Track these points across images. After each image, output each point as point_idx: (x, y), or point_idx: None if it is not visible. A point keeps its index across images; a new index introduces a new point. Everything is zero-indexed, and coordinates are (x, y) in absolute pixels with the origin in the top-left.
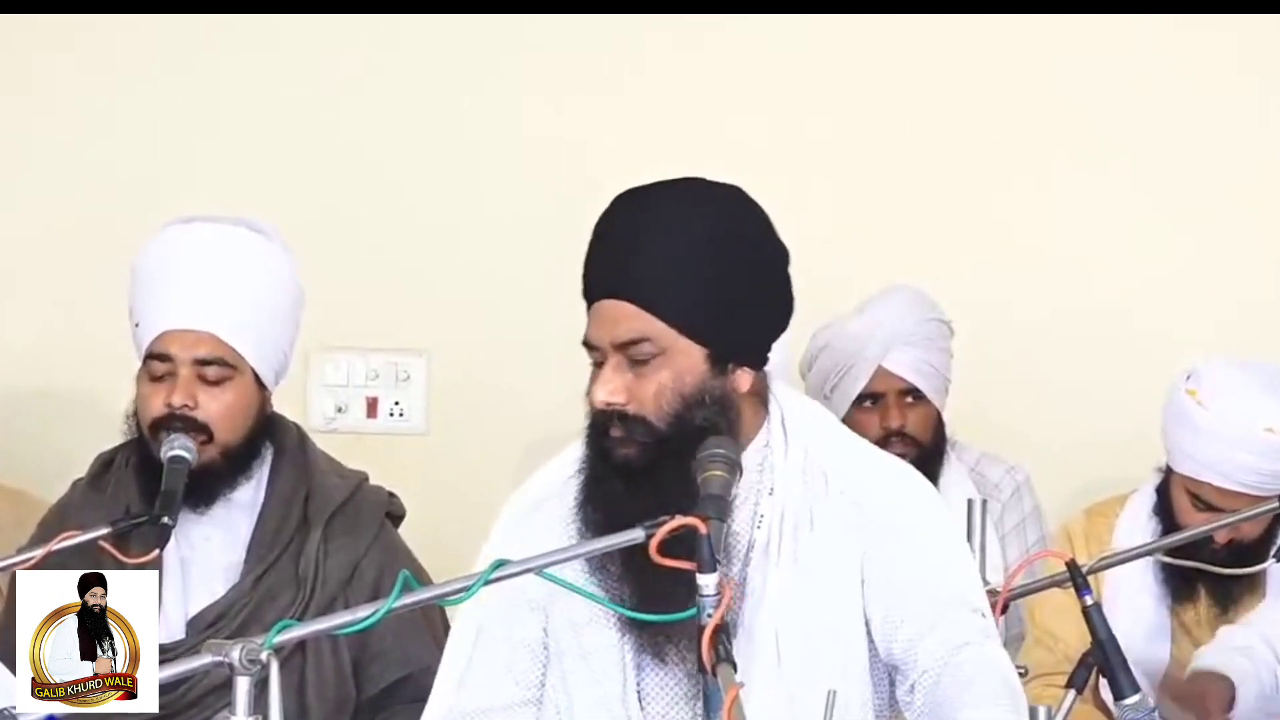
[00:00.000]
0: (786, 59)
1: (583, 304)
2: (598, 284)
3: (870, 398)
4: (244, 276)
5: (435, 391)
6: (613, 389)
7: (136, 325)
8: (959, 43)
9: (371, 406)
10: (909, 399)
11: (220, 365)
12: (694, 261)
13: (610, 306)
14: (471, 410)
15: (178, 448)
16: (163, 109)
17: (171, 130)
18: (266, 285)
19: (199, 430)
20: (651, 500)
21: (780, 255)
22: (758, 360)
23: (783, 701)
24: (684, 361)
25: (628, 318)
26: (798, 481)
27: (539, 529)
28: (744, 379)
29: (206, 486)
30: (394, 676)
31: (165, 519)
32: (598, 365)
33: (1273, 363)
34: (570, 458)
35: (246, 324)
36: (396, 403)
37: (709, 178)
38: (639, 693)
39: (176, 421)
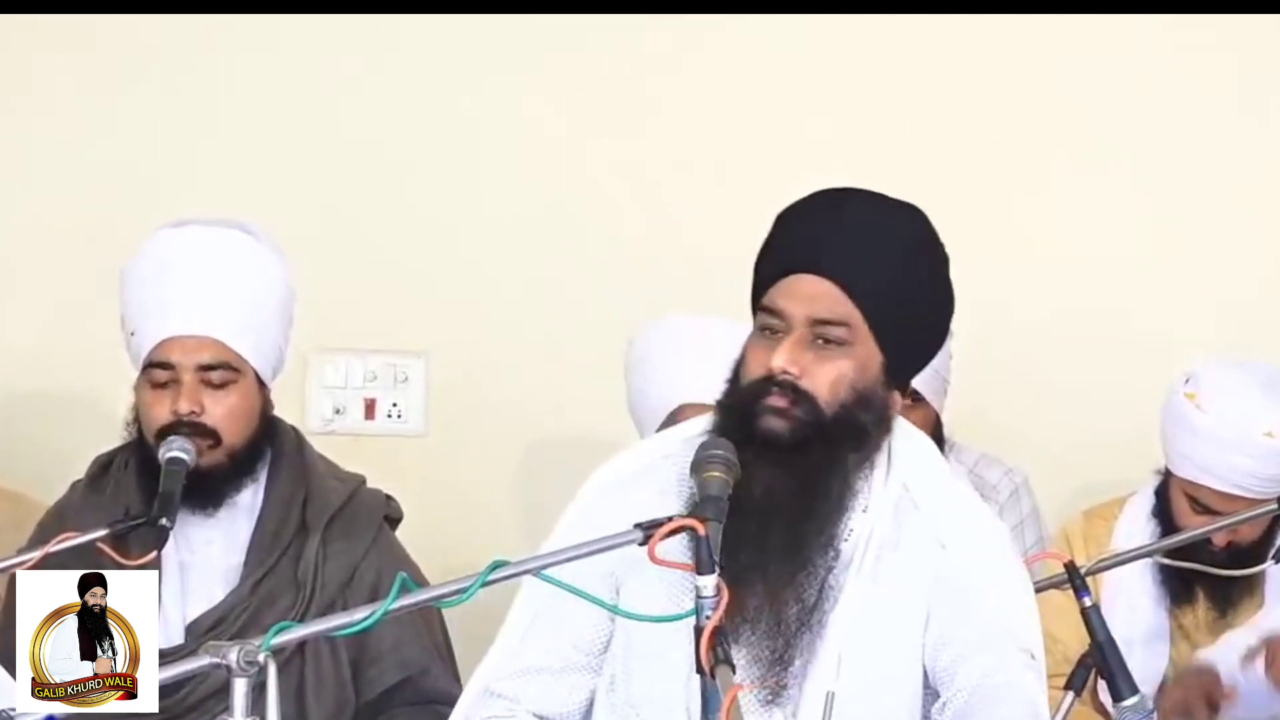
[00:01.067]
0: (786, 59)
1: (581, 307)
2: (802, 256)
3: None
4: (240, 279)
5: (433, 393)
6: (792, 359)
7: (132, 334)
8: (959, 43)
9: (370, 408)
10: (908, 401)
11: (224, 369)
12: (901, 268)
13: (812, 281)
14: (470, 412)
15: (176, 449)
16: (162, 109)
17: (171, 131)
18: (262, 286)
19: (207, 435)
20: (782, 481)
21: (952, 298)
22: (906, 387)
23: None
24: (866, 358)
25: (830, 297)
26: (890, 508)
27: (633, 504)
28: (896, 400)
29: (213, 489)
30: (393, 680)
31: (163, 521)
32: (770, 333)
33: (1272, 365)
34: (667, 438)
35: (246, 326)
36: (395, 404)
37: None
38: None
39: (184, 428)
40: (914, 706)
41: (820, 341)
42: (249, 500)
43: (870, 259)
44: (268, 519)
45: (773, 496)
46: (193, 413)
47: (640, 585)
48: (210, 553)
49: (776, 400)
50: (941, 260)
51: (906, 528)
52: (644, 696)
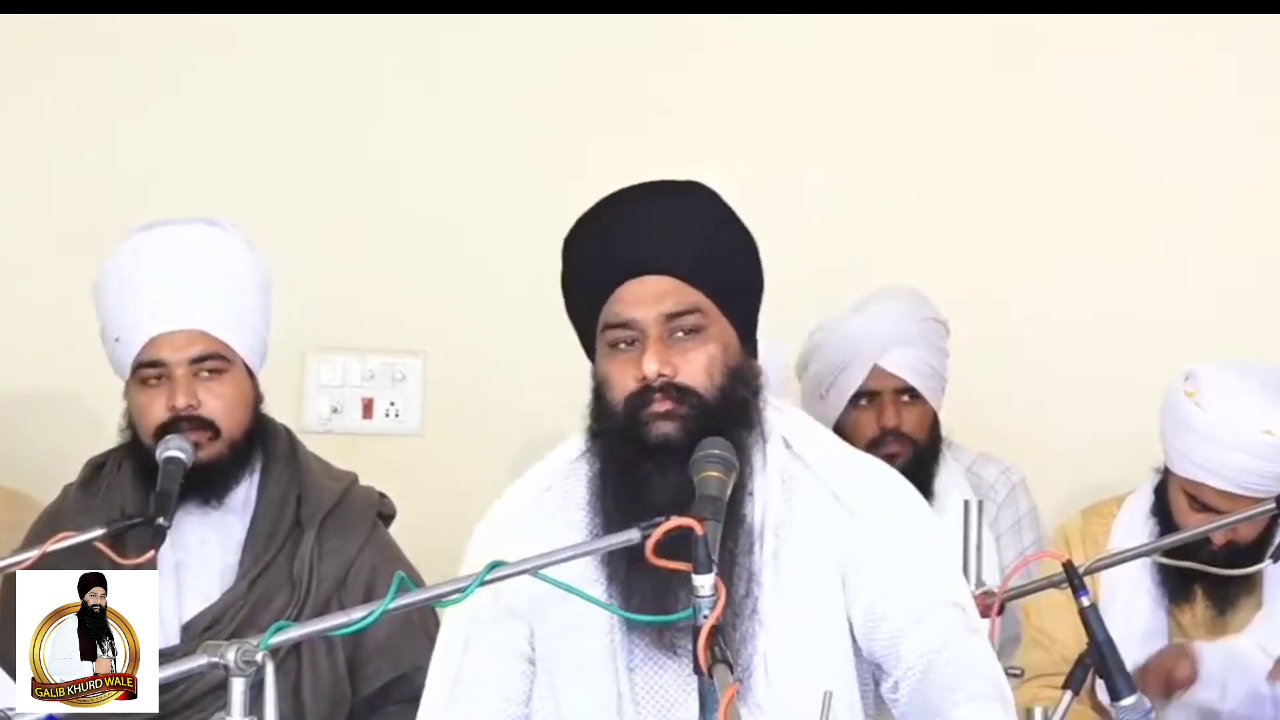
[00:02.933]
0: (786, 58)
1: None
2: (629, 262)
3: (866, 396)
4: (216, 271)
5: (431, 392)
6: (663, 359)
7: (117, 340)
8: (960, 42)
9: (367, 407)
10: (905, 398)
11: (215, 359)
12: (719, 239)
13: (652, 282)
14: (467, 411)
15: (173, 448)
16: (162, 110)
17: (170, 131)
18: (238, 276)
19: (206, 428)
20: (684, 480)
21: (756, 246)
22: (755, 351)
23: (770, 695)
24: (725, 336)
25: (675, 291)
26: (776, 480)
27: (526, 541)
28: (757, 368)
29: (216, 481)
30: (388, 677)
31: (161, 520)
32: (625, 345)
33: (1271, 364)
34: (543, 471)
35: (229, 315)
36: (392, 403)
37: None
38: (633, 696)
39: (182, 423)
40: (848, 674)
41: (679, 334)
42: (243, 499)
43: (694, 241)
44: (262, 517)
45: (681, 500)
46: (190, 406)
47: (551, 618)
48: (205, 552)
49: (660, 405)
50: (737, 218)
51: (798, 493)
52: None
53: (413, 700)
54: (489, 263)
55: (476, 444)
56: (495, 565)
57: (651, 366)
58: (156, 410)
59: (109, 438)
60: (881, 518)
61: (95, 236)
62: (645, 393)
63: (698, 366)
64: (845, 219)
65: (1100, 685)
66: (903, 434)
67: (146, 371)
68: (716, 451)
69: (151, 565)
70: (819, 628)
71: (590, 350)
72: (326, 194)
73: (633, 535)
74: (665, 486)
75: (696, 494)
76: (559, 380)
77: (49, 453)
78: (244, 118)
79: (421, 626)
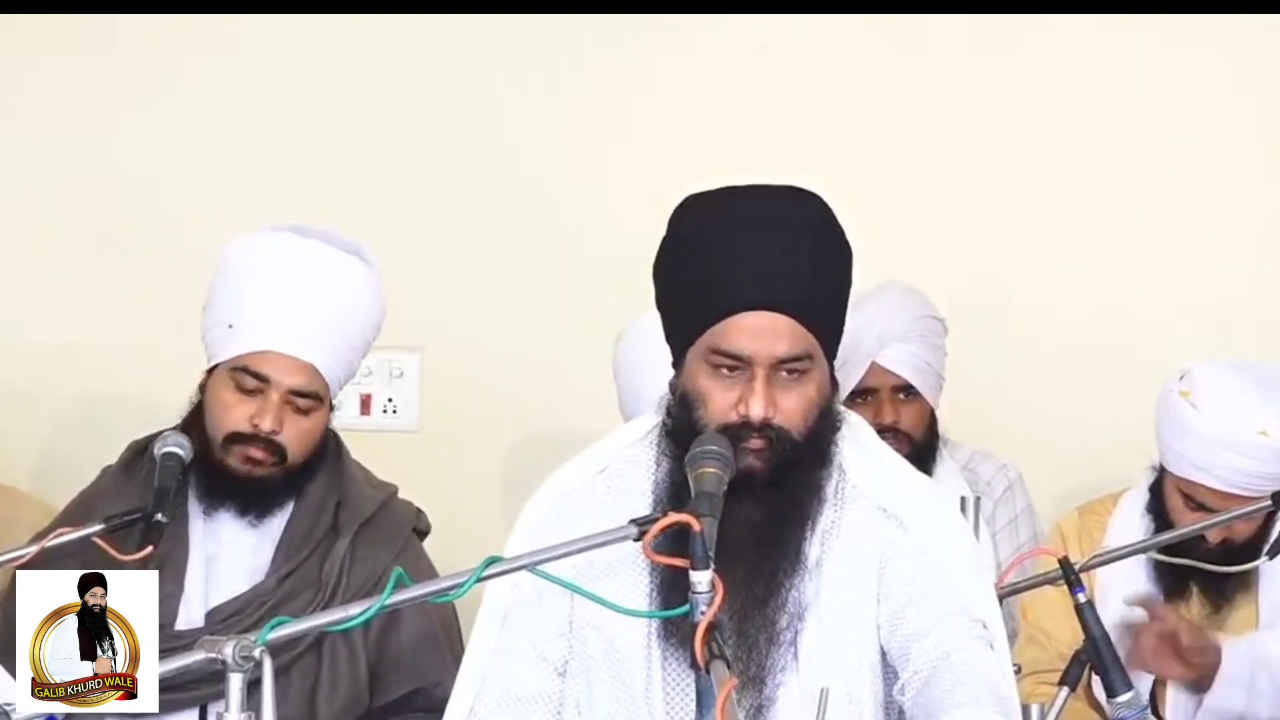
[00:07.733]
0: (786, 59)
1: (577, 304)
2: (749, 293)
3: (864, 394)
4: (350, 313)
5: (429, 388)
6: (768, 402)
7: (230, 326)
8: (961, 42)
9: (365, 403)
10: (902, 395)
11: (311, 398)
12: (834, 273)
13: (769, 320)
14: (464, 407)
15: (171, 444)
16: (163, 110)
17: (171, 131)
18: (365, 324)
19: (275, 452)
20: (760, 512)
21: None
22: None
23: (801, 700)
24: (822, 375)
25: (792, 334)
26: (830, 495)
27: (575, 520)
28: (837, 399)
29: (260, 499)
30: (408, 687)
31: (159, 516)
32: (729, 371)
33: (1266, 364)
34: (602, 450)
35: (341, 358)
36: (390, 399)
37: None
38: (663, 686)
39: (258, 441)
40: (874, 681)
41: (784, 374)
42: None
43: (812, 280)
44: (299, 520)
45: (751, 528)
46: (273, 432)
47: (592, 603)
48: (238, 549)
49: (754, 443)
50: (843, 235)
51: (847, 508)
52: (608, 714)
53: (429, 711)
54: (487, 259)
55: (474, 440)
56: (491, 561)
57: (758, 410)
58: (237, 417)
59: (109, 436)
60: (921, 531)
61: (98, 237)
62: (743, 428)
63: (795, 409)
64: (843, 218)
65: (1096, 681)
66: (900, 431)
67: (245, 377)
68: (714, 448)
69: (148, 561)
70: (851, 632)
71: (675, 341)
72: (325, 191)
73: (629, 531)
74: (740, 511)
75: (693, 490)
76: (557, 377)
77: (51, 451)
78: (244, 117)
79: (446, 640)
